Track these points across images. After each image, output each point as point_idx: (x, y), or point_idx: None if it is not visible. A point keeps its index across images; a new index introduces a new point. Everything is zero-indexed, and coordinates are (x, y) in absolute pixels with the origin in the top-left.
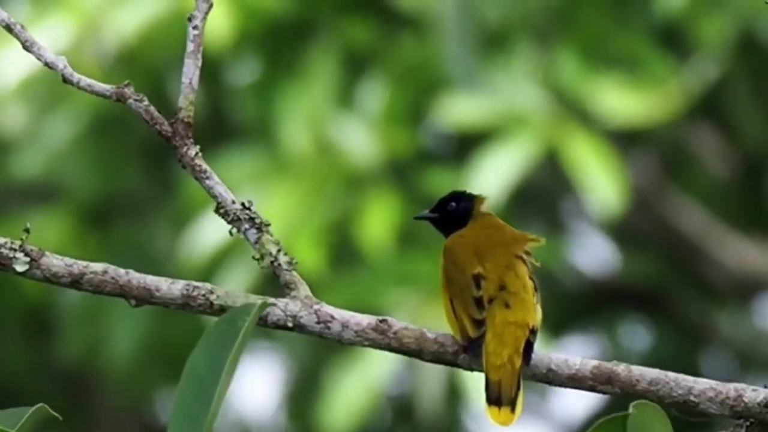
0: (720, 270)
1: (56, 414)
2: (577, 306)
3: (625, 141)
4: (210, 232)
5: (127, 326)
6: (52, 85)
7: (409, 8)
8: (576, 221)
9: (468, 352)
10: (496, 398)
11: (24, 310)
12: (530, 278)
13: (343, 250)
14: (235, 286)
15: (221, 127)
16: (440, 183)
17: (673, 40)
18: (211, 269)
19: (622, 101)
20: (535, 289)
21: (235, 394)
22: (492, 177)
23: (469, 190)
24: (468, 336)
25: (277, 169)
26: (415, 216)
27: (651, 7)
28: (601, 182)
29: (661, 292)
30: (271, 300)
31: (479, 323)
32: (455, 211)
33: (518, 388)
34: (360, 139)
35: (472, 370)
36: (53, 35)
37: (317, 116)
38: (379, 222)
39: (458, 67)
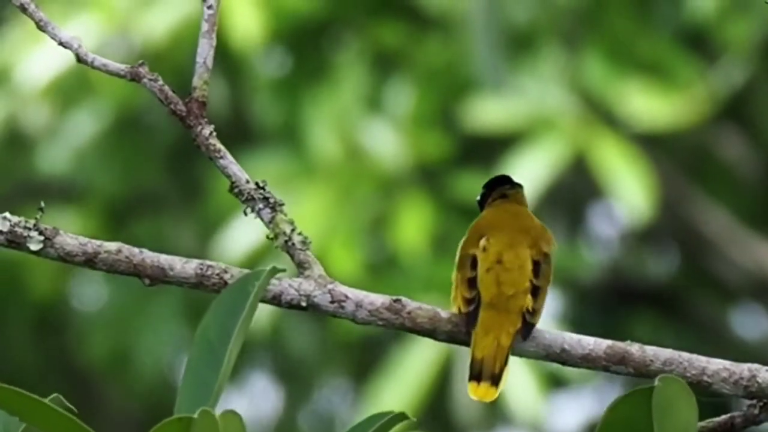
0: (740, 271)
1: (70, 405)
2: (596, 305)
3: (650, 144)
4: (240, 237)
5: (155, 335)
6: (75, 84)
7: (436, 10)
8: (598, 222)
9: (463, 326)
10: (477, 374)
11: (35, 308)
12: (535, 262)
13: (375, 255)
14: None
15: (247, 129)
16: (470, 186)
17: (700, 44)
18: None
19: (649, 104)
20: (537, 274)
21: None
22: (521, 180)
23: (508, 175)
24: (461, 312)
25: (305, 173)
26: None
27: (678, 11)
28: (628, 185)
29: (679, 293)
30: (281, 266)
31: (469, 301)
32: (484, 192)
33: (503, 366)
34: (388, 143)
35: None
36: (80, 34)
37: (345, 119)
38: (411, 226)
39: (486, 69)
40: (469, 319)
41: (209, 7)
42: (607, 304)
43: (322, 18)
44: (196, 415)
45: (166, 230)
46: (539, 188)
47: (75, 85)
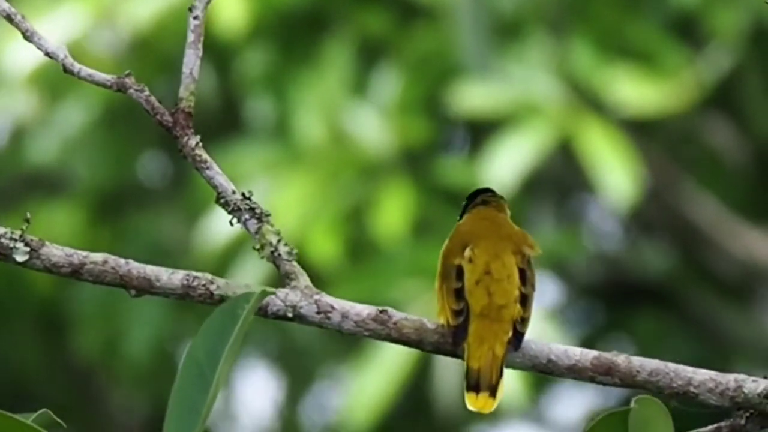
0: (731, 261)
1: (59, 420)
2: (588, 296)
3: (638, 131)
4: (224, 223)
5: (143, 324)
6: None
7: None
8: (587, 211)
9: (452, 338)
10: (474, 384)
11: (36, 305)
12: (520, 270)
13: (358, 240)
14: (249, 277)
15: (234, 117)
16: (454, 172)
17: (687, 31)
18: (225, 260)
19: (636, 91)
20: (524, 282)
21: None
22: (505, 166)
23: (491, 188)
24: (449, 325)
25: (291, 160)
26: None
27: None
28: (615, 172)
29: (671, 285)
30: (271, 289)
31: (458, 313)
32: (466, 204)
33: (500, 376)
34: (374, 129)
35: None
36: (66, 22)
37: (331, 106)
38: (393, 212)
39: (472, 56)
40: (459, 331)
41: (195, 18)
42: (598, 294)
43: (308, 5)
44: None
45: (155, 221)
46: (525, 174)
47: (63, 75)
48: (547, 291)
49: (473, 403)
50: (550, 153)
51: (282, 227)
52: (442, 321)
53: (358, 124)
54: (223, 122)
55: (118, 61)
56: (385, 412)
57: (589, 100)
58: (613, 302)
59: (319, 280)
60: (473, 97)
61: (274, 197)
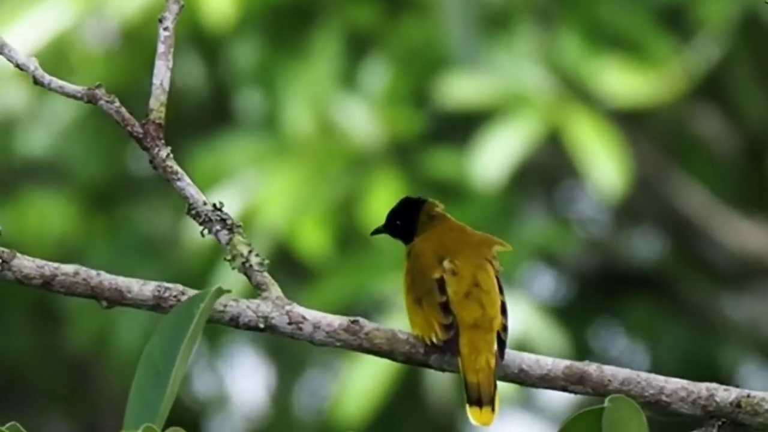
0: (722, 251)
1: (24, 430)
2: (577, 285)
3: (628, 121)
4: None
5: (134, 314)
6: (53, 65)
7: None
8: (577, 202)
9: (442, 352)
10: (476, 399)
11: (29, 293)
12: (496, 278)
13: (347, 233)
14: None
15: (223, 109)
16: (443, 163)
17: (676, 21)
18: (213, 257)
19: (625, 82)
20: (501, 290)
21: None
22: (494, 157)
23: (421, 196)
24: (439, 340)
25: (279, 151)
26: (371, 232)
27: None
28: (603, 163)
29: (663, 274)
30: (228, 288)
31: (447, 327)
32: (403, 220)
33: (495, 387)
34: (363, 120)
35: (443, 370)
36: (55, 15)
37: (320, 97)
38: (382, 203)
39: (461, 47)
40: (451, 345)
41: (165, 29)
42: (588, 281)
43: None
44: None
45: (145, 212)
46: (514, 165)
47: (53, 67)
48: (537, 280)
49: (477, 418)
50: (539, 144)
51: (270, 219)
52: (421, 334)
53: (346, 115)
54: (212, 114)
55: (109, 53)
56: (378, 404)
57: (577, 91)
58: (603, 289)
59: (307, 273)
60: (462, 88)
61: (262, 189)
